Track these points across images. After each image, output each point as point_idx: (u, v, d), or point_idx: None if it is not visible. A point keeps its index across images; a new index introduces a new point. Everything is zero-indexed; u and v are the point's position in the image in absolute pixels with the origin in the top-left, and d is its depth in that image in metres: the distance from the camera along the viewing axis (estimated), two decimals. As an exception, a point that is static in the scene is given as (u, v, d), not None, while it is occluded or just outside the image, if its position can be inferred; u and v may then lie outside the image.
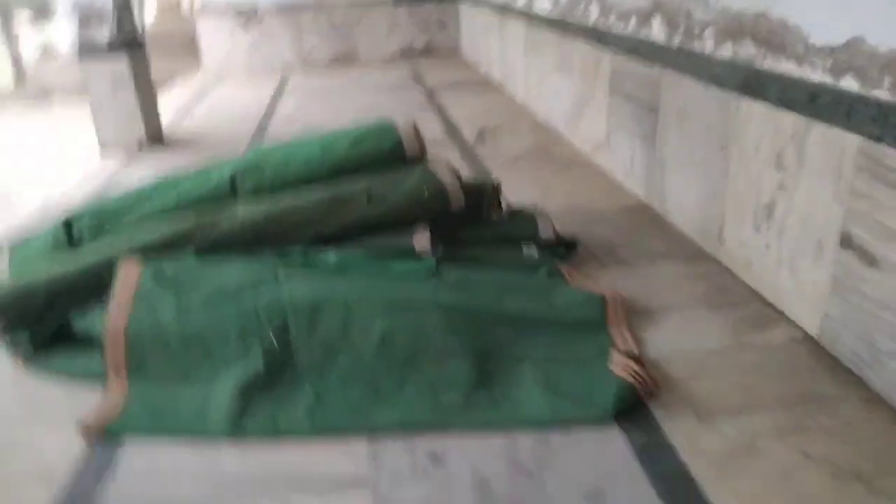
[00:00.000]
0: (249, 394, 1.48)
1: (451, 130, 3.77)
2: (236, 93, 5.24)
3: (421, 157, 2.04)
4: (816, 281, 1.61)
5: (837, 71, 1.50)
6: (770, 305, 1.80)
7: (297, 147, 2.03)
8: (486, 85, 5.04)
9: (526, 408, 1.44)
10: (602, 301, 1.74)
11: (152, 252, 1.77)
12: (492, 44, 5.12)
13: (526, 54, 4.16)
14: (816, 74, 1.57)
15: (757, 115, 1.79)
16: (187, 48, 6.95)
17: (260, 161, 1.98)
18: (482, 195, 2.09)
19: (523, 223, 2.08)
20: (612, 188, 2.76)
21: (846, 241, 1.49)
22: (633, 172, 2.64)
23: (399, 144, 1.98)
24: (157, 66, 6.52)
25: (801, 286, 1.67)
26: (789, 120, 1.65)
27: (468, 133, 3.67)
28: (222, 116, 4.45)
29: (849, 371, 1.52)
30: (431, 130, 3.77)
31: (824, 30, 1.55)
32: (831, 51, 1.52)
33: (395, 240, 1.89)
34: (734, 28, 1.91)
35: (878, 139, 1.37)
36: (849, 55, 1.47)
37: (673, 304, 1.83)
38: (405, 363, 1.54)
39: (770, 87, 1.73)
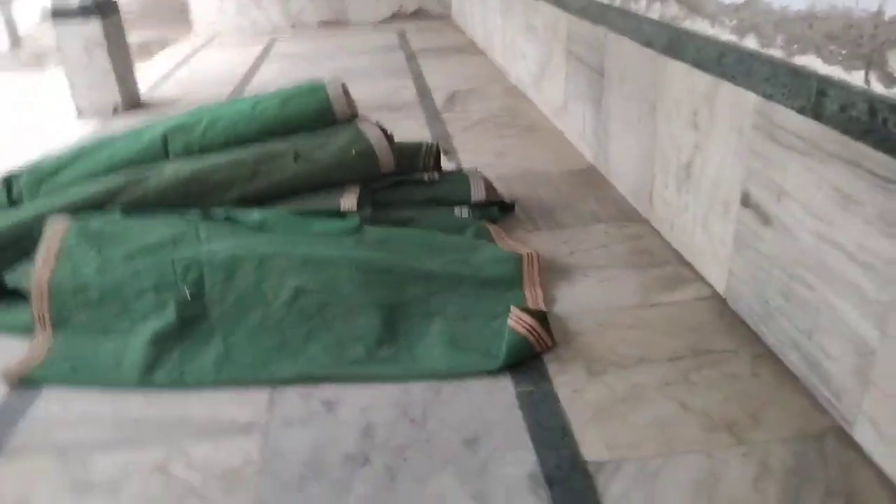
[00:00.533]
0: (161, 346, 1.53)
1: (424, 94, 3.77)
2: (222, 57, 5.24)
3: (351, 117, 2.06)
4: (724, 240, 1.63)
5: (741, 29, 1.50)
6: (687, 265, 1.82)
7: (229, 107, 2.06)
8: (470, 49, 4.99)
9: (424, 361, 1.49)
10: (518, 260, 1.77)
11: (82, 209, 1.82)
12: (476, 7, 5.06)
13: (502, 16, 4.12)
14: (725, 33, 1.57)
15: (678, 75, 1.79)
16: (179, 15, 6.93)
17: (191, 120, 2.01)
18: (416, 157, 2.11)
19: (457, 185, 2.11)
20: (567, 152, 2.76)
21: (745, 200, 1.51)
22: (585, 136, 2.64)
23: (327, 105, 2.00)
24: (150, 32, 6.57)
25: (713, 245, 1.69)
26: (703, 80, 1.65)
27: (440, 97, 3.67)
28: (203, 80, 4.46)
29: (746, 327, 1.55)
30: (405, 94, 3.78)
31: (733, -13, 1.54)
32: (736, 9, 1.51)
33: (324, 200, 1.92)
34: (664, -13, 1.89)
35: (770, 97, 1.38)
36: (749, 13, 1.46)
37: (595, 264, 1.86)
38: (315, 318, 1.58)
39: (688, 47, 1.72)
